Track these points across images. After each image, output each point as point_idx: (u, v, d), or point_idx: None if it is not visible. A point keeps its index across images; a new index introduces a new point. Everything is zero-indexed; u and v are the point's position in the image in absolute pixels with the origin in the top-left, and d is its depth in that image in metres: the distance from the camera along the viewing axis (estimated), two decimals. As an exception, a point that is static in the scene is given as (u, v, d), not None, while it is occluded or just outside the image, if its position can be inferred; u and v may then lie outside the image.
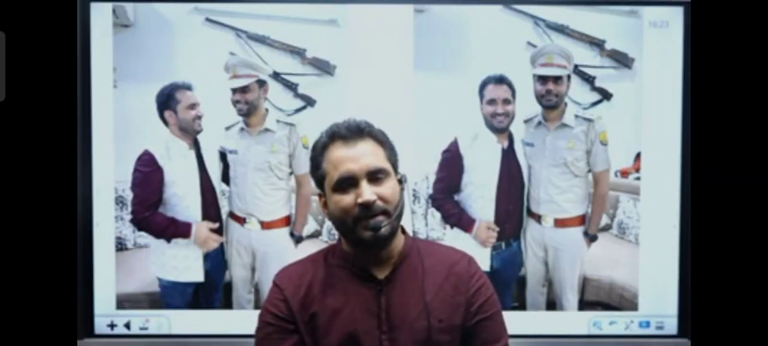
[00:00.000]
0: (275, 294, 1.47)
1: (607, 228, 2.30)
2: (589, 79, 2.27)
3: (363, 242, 1.38)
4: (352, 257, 1.44)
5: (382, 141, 1.42)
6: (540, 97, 2.26)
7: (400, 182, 1.41)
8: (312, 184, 2.23)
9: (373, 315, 1.39)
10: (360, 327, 1.38)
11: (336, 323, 1.39)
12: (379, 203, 1.36)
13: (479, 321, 1.43)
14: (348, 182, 1.37)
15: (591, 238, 2.29)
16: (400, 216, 1.40)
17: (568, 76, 2.26)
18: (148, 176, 2.24)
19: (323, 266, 1.46)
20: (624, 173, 2.28)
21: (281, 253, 2.27)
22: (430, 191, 2.26)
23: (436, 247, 1.57)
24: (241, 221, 2.27)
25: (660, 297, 2.27)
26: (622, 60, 2.26)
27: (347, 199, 1.37)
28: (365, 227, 1.36)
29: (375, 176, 1.37)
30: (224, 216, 2.28)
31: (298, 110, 2.26)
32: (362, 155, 1.38)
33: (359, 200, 1.35)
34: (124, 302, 2.26)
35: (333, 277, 1.43)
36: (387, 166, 1.40)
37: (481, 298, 1.44)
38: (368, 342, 1.38)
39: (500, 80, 2.25)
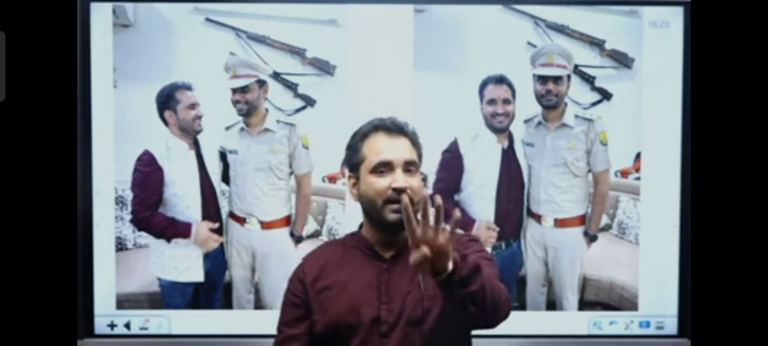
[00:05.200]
0: (297, 270, 1.66)
1: (607, 228, 2.30)
2: (589, 79, 2.27)
3: (387, 223, 1.55)
4: (367, 240, 1.61)
5: (416, 143, 1.61)
6: (540, 97, 2.26)
7: (424, 180, 1.60)
8: (312, 183, 2.26)
9: (374, 288, 1.56)
10: (362, 298, 1.55)
11: (343, 294, 1.56)
12: (409, 191, 1.52)
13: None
14: (386, 167, 1.54)
15: (591, 238, 2.29)
16: (420, 207, 1.55)
17: (568, 76, 2.26)
18: (148, 175, 2.24)
19: (341, 247, 1.65)
20: (624, 173, 2.28)
21: (281, 253, 2.27)
22: (430, 191, 2.26)
23: None
24: (241, 221, 2.27)
25: (660, 297, 2.27)
26: (622, 60, 2.26)
27: (382, 182, 1.54)
28: (393, 209, 1.52)
29: (408, 168, 1.55)
30: (224, 216, 2.28)
31: (298, 110, 2.26)
32: (401, 148, 1.56)
33: (394, 185, 1.52)
34: (124, 302, 2.26)
35: (347, 256, 1.62)
36: (418, 163, 1.59)
37: (472, 250, 1.55)
38: (368, 311, 1.54)
39: (500, 80, 2.25)
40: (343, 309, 1.55)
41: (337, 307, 1.56)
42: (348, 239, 1.67)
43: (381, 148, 1.56)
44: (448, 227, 1.33)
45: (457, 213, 1.36)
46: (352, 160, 1.61)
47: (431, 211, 1.33)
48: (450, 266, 1.34)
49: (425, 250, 1.32)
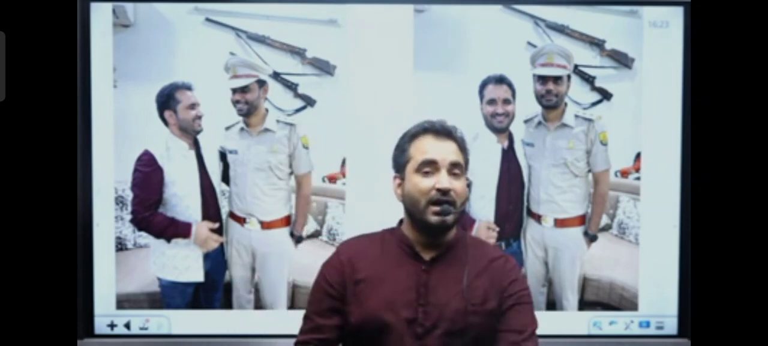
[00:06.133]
0: (333, 259, 1.66)
1: (607, 228, 2.30)
2: (589, 79, 2.27)
3: (428, 225, 1.55)
4: (407, 238, 1.61)
5: (464, 148, 1.62)
6: (540, 97, 2.26)
7: (468, 185, 1.60)
8: (312, 183, 2.26)
9: (413, 289, 1.56)
10: (400, 297, 1.55)
11: (379, 290, 1.57)
12: (452, 193, 1.54)
13: (511, 306, 1.59)
14: (431, 167, 1.55)
15: (591, 238, 2.29)
16: (462, 211, 1.60)
17: (568, 76, 2.26)
18: (148, 175, 2.24)
19: (380, 242, 1.64)
20: (624, 173, 2.28)
21: (281, 253, 2.27)
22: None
23: (482, 243, 1.74)
24: (241, 221, 2.27)
25: (660, 297, 2.27)
26: (622, 60, 2.26)
27: (427, 182, 1.55)
28: (435, 212, 1.54)
29: (453, 170, 1.56)
30: (224, 216, 2.28)
31: (298, 110, 2.26)
32: (448, 150, 1.58)
33: (438, 186, 1.54)
34: (124, 302, 2.26)
35: (386, 251, 1.62)
36: (464, 167, 1.60)
37: (515, 289, 1.61)
38: (405, 312, 1.54)
39: (500, 80, 2.25)
40: (379, 306, 1.55)
41: (373, 302, 1.56)
42: (387, 234, 1.66)
43: (427, 148, 1.58)
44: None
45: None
46: (399, 161, 1.62)
47: None
48: None
49: None
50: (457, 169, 1.57)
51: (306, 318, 1.64)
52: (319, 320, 1.61)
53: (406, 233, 1.62)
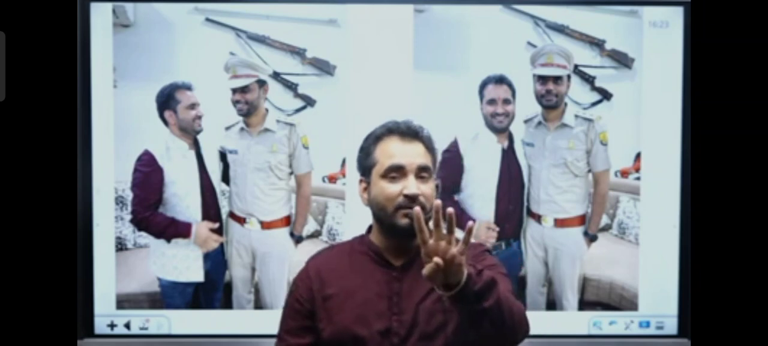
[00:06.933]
0: (301, 274, 1.60)
1: (607, 228, 2.30)
2: (589, 79, 2.27)
3: (398, 229, 1.49)
4: (375, 246, 1.55)
5: (431, 148, 1.55)
6: (540, 97, 2.26)
7: (437, 187, 1.54)
8: (312, 183, 2.26)
9: (385, 298, 1.50)
10: (371, 309, 1.50)
11: (350, 302, 1.50)
12: (421, 198, 1.47)
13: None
14: (398, 172, 1.49)
15: (591, 238, 2.29)
16: (432, 215, 1.50)
17: (568, 76, 2.26)
18: (148, 176, 2.24)
19: (348, 252, 1.58)
20: (624, 173, 2.28)
21: (281, 253, 2.27)
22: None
23: None
24: (241, 221, 2.27)
25: (660, 297, 2.28)
26: (622, 60, 2.26)
27: (394, 188, 1.49)
28: (404, 215, 1.46)
29: (421, 174, 1.50)
30: (224, 216, 2.28)
31: (298, 110, 2.26)
32: (415, 153, 1.51)
33: (405, 192, 1.47)
34: (124, 302, 2.26)
35: (354, 262, 1.55)
36: (432, 169, 1.53)
37: (484, 266, 1.50)
38: (379, 323, 1.49)
39: (500, 80, 2.25)
40: (351, 319, 1.49)
41: (345, 316, 1.50)
42: (356, 243, 1.60)
43: (394, 152, 1.50)
44: (461, 237, 1.28)
45: (471, 223, 1.35)
46: (364, 164, 1.55)
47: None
48: (463, 279, 1.29)
49: (438, 261, 1.27)
50: (425, 172, 1.49)
51: (278, 338, 1.57)
52: (291, 339, 1.54)
53: (375, 241, 1.55)
